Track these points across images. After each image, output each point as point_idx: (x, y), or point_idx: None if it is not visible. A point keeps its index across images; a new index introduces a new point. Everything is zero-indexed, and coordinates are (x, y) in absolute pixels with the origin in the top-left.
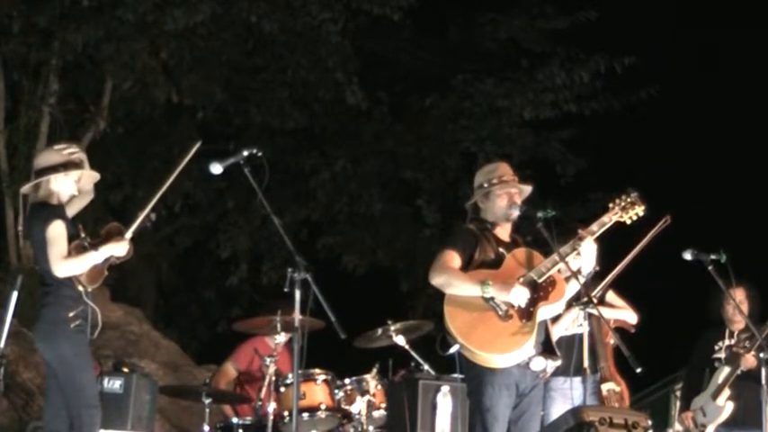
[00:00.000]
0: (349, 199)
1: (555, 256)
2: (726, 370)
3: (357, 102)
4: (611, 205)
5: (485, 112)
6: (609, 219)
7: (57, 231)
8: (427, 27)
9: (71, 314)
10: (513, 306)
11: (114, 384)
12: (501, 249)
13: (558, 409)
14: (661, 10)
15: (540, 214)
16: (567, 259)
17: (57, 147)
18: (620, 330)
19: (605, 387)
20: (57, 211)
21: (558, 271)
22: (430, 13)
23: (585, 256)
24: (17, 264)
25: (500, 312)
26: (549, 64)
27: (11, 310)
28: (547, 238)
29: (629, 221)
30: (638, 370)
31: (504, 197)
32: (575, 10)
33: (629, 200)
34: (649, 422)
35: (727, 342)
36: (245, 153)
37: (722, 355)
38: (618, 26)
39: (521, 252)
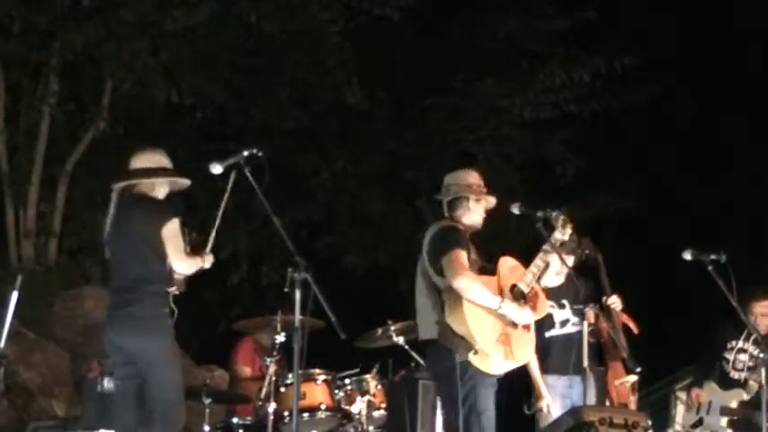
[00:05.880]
0: (349, 199)
1: (533, 268)
2: (744, 396)
3: (357, 102)
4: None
5: (485, 112)
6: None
7: (175, 227)
8: (427, 27)
9: (165, 310)
10: None
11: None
12: (473, 255)
13: (556, 408)
14: (661, 9)
15: (539, 214)
16: (538, 273)
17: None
18: (625, 329)
19: (625, 379)
20: (172, 207)
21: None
22: (430, 13)
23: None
24: (17, 264)
25: (508, 321)
26: (549, 64)
27: (11, 310)
28: (546, 238)
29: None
30: (638, 370)
31: (484, 207)
32: (575, 10)
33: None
34: (649, 422)
35: (741, 344)
36: (246, 153)
37: (731, 356)
38: (618, 26)
39: (506, 261)
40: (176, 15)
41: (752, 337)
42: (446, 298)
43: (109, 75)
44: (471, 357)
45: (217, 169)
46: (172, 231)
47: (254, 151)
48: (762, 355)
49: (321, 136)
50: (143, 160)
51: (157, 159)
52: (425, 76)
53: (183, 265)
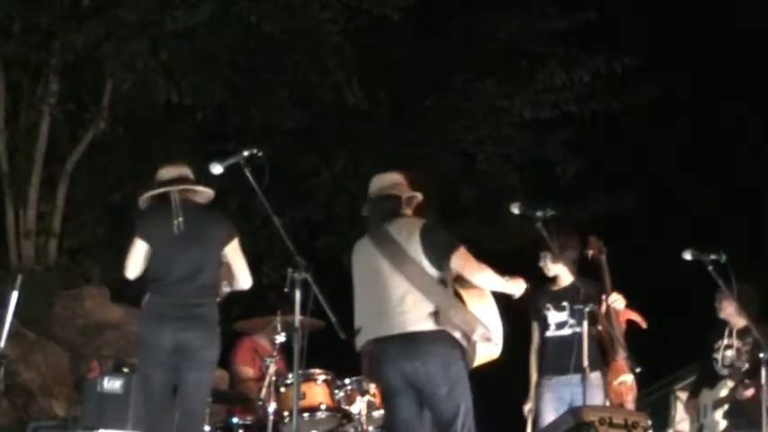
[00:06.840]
0: (349, 199)
1: None
2: (729, 385)
3: (357, 102)
4: None
5: (485, 112)
6: None
7: (239, 244)
8: (427, 27)
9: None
10: None
11: (114, 384)
12: None
13: (551, 407)
14: (661, 9)
15: (539, 214)
16: None
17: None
18: (631, 325)
19: (623, 379)
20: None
21: None
22: (430, 13)
23: None
24: (17, 264)
25: None
26: (549, 64)
27: (11, 310)
28: (546, 237)
29: None
30: (638, 370)
31: None
32: (575, 10)
33: None
34: (649, 422)
35: (726, 342)
36: (246, 153)
37: (719, 355)
38: (618, 26)
39: None
40: (176, 15)
41: (734, 331)
42: (459, 288)
43: (109, 75)
44: (484, 346)
45: (217, 169)
46: (239, 248)
47: (254, 151)
48: (762, 355)
49: (321, 136)
50: (176, 170)
51: (187, 171)
52: (425, 76)
53: (250, 281)
